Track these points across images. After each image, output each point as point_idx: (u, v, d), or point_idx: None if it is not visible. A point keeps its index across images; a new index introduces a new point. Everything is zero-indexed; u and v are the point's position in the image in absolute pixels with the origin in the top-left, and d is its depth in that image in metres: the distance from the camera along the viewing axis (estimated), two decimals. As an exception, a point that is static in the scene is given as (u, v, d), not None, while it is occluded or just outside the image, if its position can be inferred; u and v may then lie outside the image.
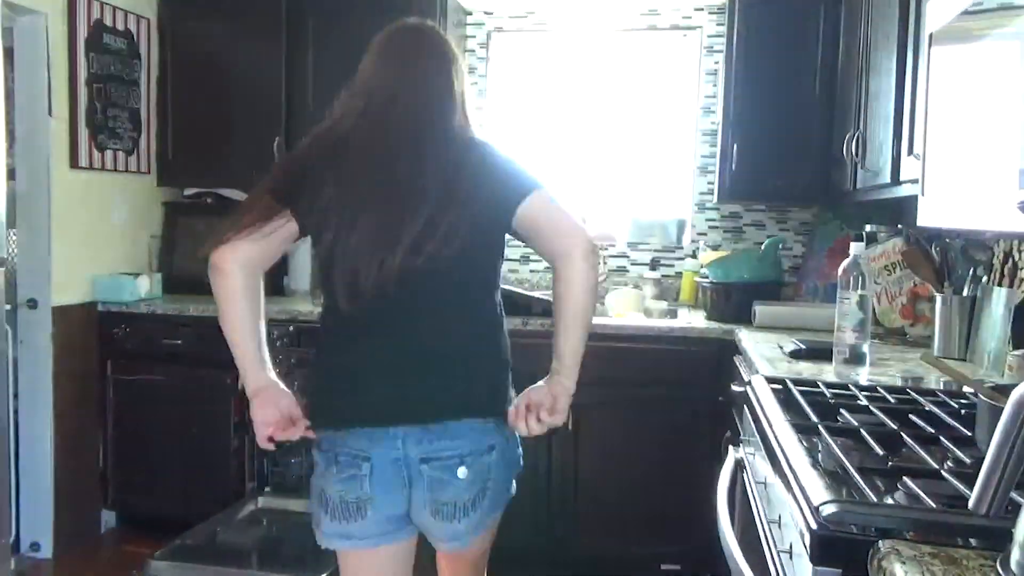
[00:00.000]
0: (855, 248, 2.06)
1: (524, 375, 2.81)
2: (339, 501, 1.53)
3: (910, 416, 1.38)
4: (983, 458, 0.83)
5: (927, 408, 1.43)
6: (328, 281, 1.55)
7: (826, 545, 0.93)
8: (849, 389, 1.60)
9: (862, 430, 1.27)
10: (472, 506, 1.53)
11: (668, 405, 2.81)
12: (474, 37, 3.61)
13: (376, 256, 1.44)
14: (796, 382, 1.63)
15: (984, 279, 2.17)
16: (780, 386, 1.62)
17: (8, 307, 2.73)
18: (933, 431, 1.29)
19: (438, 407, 1.51)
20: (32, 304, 3.00)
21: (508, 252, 3.96)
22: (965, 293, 2.20)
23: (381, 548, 1.58)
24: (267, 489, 3.20)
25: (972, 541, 0.89)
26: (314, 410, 1.58)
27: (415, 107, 1.53)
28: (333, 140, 1.55)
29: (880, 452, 1.17)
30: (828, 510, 0.95)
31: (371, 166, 1.49)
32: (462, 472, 1.50)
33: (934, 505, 0.96)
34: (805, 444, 1.23)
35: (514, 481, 1.64)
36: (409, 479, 1.52)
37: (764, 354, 2.26)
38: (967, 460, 1.13)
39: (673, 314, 3.22)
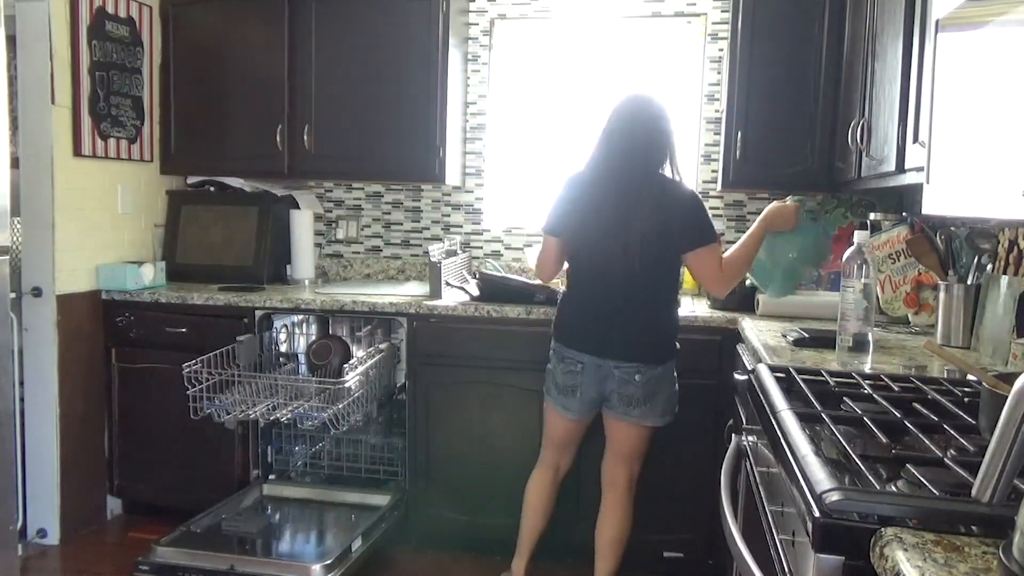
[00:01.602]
0: (859, 236, 2.05)
1: (528, 362, 2.82)
2: (563, 384, 2.51)
3: (913, 404, 1.38)
4: (986, 446, 0.83)
5: (930, 396, 1.43)
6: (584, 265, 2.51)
7: (829, 533, 0.94)
8: (852, 377, 1.59)
9: (865, 418, 1.27)
10: (643, 401, 2.45)
11: (671, 393, 2.81)
12: (477, 24, 3.60)
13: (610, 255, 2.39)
14: (799, 370, 1.63)
15: (989, 267, 2.17)
16: (783, 374, 1.62)
17: (13, 295, 2.73)
18: (936, 419, 1.29)
19: (624, 353, 2.43)
20: (36, 292, 3.00)
21: (511, 240, 3.95)
22: (969, 281, 2.19)
23: (576, 420, 2.56)
24: (271, 477, 3.22)
25: (975, 529, 0.90)
26: (559, 330, 2.54)
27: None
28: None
29: (883, 440, 1.17)
30: (831, 498, 0.95)
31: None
32: (638, 377, 2.42)
33: (937, 493, 0.96)
34: (808, 432, 1.23)
35: (675, 406, 2.53)
36: (605, 377, 2.45)
37: (767, 342, 2.26)
38: (970, 448, 1.13)
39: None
